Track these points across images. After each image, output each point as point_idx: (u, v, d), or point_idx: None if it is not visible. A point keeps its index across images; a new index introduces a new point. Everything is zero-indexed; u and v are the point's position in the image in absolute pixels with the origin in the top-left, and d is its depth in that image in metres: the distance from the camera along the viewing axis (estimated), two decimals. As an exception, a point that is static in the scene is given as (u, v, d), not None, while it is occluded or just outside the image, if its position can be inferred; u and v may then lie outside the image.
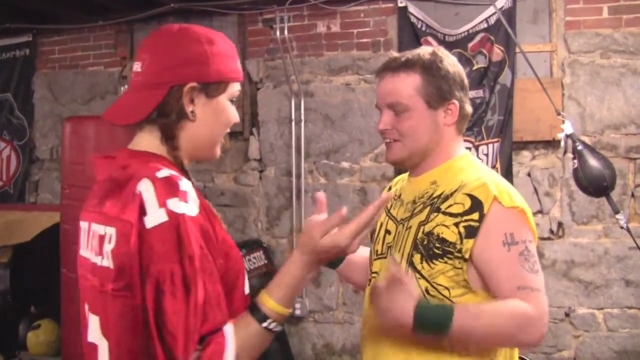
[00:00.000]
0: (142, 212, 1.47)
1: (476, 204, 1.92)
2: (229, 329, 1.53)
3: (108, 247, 1.53)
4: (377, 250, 2.18)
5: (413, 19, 5.62)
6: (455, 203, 1.96)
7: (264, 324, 1.61)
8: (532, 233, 1.97)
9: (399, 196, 2.19)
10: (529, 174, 5.48)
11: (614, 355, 5.34)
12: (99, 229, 1.58)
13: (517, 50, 5.24)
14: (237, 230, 6.18)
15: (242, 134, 6.21)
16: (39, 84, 7.01)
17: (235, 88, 1.73)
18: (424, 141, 2.07)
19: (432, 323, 1.81)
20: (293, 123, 5.96)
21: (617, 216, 4.16)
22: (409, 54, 2.12)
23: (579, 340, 5.41)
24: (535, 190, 5.45)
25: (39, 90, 7.00)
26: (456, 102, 2.08)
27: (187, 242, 1.47)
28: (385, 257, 2.10)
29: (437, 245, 1.95)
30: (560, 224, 5.43)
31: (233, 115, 1.75)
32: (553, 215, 5.44)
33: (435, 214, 1.98)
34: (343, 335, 5.92)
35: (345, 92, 5.92)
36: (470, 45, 5.48)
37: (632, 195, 5.31)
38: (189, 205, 1.50)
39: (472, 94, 5.32)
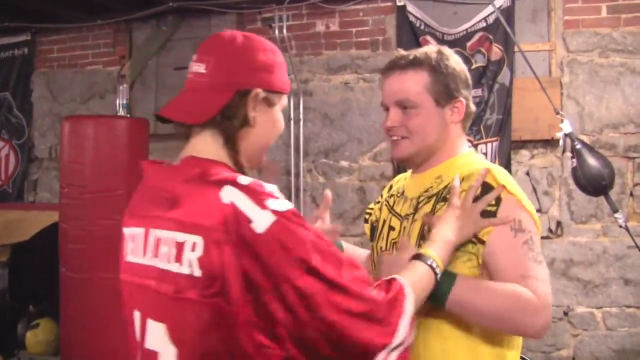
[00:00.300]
0: (244, 219, 1.44)
1: (487, 190, 1.93)
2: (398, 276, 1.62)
3: (192, 255, 1.48)
4: (380, 247, 2.19)
5: (412, 18, 5.62)
6: (464, 190, 1.94)
7: (429, 262, 1.72)
8: (536, 227, 1.98)
9: (402, 193, 2.20)
10: (527, 173, 5.49)
11: (612, 354, 5.35)
12: (172, 235, 1.54)
13: (516, 49, 5.25)
14: (236, 229, 6.18)
15: (241, 132, 6.20)
16: (37, 83, 7.01)
17: (286, 100, 1.77)
18: (432, 138, 2.08)
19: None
20: (292, 122, 5.96)
21: (616, 215, 4.17)
22: (416, 52, 2.13)
23: (578, 339, 5.42)
24: (534, 189, 5.46)
25: (38, 89, 7.00)
26: (463, 100, 2.09)
27: (307, 233, 1.49)
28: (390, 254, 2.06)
29: None
30: (559, 223, 5.44)
31: (282, 125, 1.79)
32: (552, 214, 5.44)
33: (442, 203, 1.98)
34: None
35: (344, 91, 5.92)
36: (468, 44, 5.49)
37: (631, 194, 5.31)
38: (285, 202, 1.51)
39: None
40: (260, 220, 1.44)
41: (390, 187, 2.36)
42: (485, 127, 5.37)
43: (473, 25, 5.49)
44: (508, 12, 5.33)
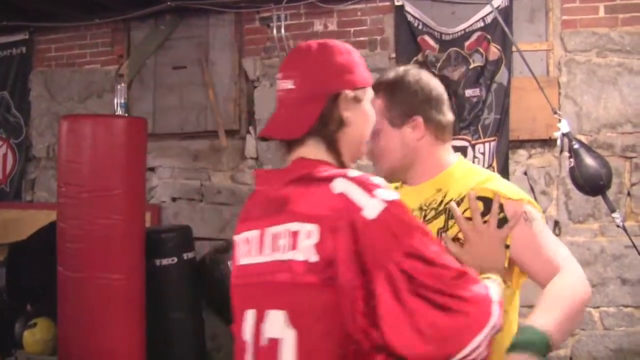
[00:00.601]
0: (355, 208, 1.57)
1: (487, 203, 2.01)
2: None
3: (308, 242, 1.61)
4: None
5: (410, 18, 5.62)
6: (467, 209, 2.03)
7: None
8: (538, 210, 2.10)
9: None
10: (525, 173, 5.49)
11: (610, 354, 5.35)
12: (287, 227, 1.66)
13: (514, 49, 5.25)
14: (234, 228, 6.15)
15: (238, 132, 6.21)
16: (35, 82, 7.00)
17: (371, 91, 1.88)
18: (396, 158, 2.15)
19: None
20: (290, 121, 5.95)
21: (613, 215, 4.17)
22: (382, 76, 2.23)
23: (575, 338, 5.42)
24: (532, 188, 5.46)
25: (36, 88, 7.00)
26: (419, 117, 2.12)
27: (412, 221, 1.63)
28: None
29: None
30: (556, 223, 5.44)
31: (373, 115, 1.90)
32: (549, 214, 5.44)
33: (453, 220, 2.04)
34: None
35: (342, 90, 5.91)
36: (466, 44, 5.48)
37: (628, 194, 5.32)
38: (392, 192, 1.65)
39: (468, 92, 5.36)
40: (371, 208, 1.57)
41: None
42: (483, 126, 5.37)
43: (471, 25, 5.49)
44: (506, 12, 5.33)
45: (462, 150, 5.37)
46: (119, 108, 5.92)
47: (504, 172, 5.37)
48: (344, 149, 1.79)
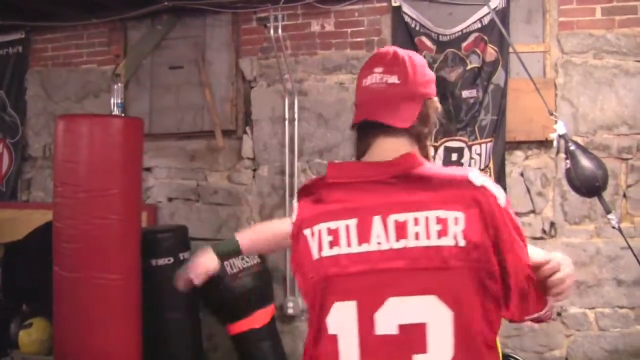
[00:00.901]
0: (494, 197, 1.79)
1: None
2: None
3: (456, 228, 1.75)
4: None
5: (407, 19, 5.62)
6: None
7: None
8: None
9: None
10: (521, 174, 5.50)
11: (605, 355, 5.36)
12: (430, 214, 1.78)
13: (511, 50, 5.26)
14: (230, 228, 6.18)
15: (235, 132, 6.21)
16: (31, 81, 7.00)
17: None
18: None
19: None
20: (287, 122, 5.97)
21: (609, 216, 4.19)
22: None
23: (571, 339, 5.43)
24: (528, 190, 5.47)
25: (32, 87, 6.99)
26: None
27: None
28: None
29: None
30: (552, 224, 5.45)
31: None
32: (545, 215, 5.45)
33: None
34: (335, 334, 5.92)
35: (338, 91, 5.92)
36: (464, 45, 5.49)
37: (624, 196, 5.33)
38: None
39: (465, 93, 5.38)
40: (501, 198, 1.81)
41: None
42: (480, 128, 5.38)
43: (468, 26, 5.49)
44: (503, 13, 5.34)
45: (459, 151, 5.39)
46: (115, 108, 5.92)
47: (501, 173, 5.38)
48: (426, 146, 1.97)
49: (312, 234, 1.89)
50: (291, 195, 5.95)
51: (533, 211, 5.48)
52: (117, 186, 4.81)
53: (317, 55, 6.02)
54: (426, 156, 1.95)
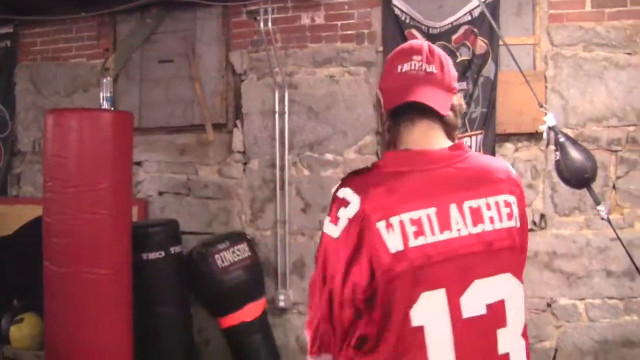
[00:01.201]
0: (521, 187, 2.06)
1: None
2: None
3: (516, 210, 1.97)
4: None
5: (397, 11, 5.62)
6: None
7: None
8: None
9: None
10: (512, 166, 5.50)
11: (595, 345, 5.39)
12: (498, 199, 1.95)
13: (501, 42, 5.26)
14: (221, 222, 6.18)
15: (225, 126, 6.20)
16: (20, 76, 6.97)
17: None
18: None
19: None
20: (277, 115, 5.96)
21: (598, 207, 4.20)
22: None
23: (561, 330, 5.46)
24: (518, 182, 5.48)
25: (21, 82, 6.96)
26: None
27: None
28: None
29: None
30: (542, 216, 5.46)
31: None
32: (535, 207, 5.47)
33: None
34: (327, 327, 5.92)
35: (329, 84, 5.92)
36: (454, 37, 5.49)
37: (614, 187, 5.34)
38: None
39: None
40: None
41: None
42: (470, 120, 5.39)
43: (458, 19, 5.49)
44: (493, 6, 5.34)
45: (449, 144, 5.40)
46: (104, 102, 5.90)
47: (491, 165, 5.38)
48: (456, 137, 2.07)
49: (389, 225, 1.84)
50: (282, 189, 5.96)
51: (523, 203, 5.49)
52: (107, 180, 4.80)
53: (307, 48, 6.01)
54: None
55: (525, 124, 5.38)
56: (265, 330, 5.79)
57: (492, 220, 1.91)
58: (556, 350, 5.48)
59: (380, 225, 1.83)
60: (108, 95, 5.87)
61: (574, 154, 4.17)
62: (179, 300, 5.67)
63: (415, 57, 2.01)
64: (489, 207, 1.91)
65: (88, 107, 6.19)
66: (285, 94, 5.94)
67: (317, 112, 5.92)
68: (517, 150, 5.52)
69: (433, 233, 1.84)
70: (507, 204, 1.94)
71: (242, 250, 5.67)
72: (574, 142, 4.31)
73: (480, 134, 5.35)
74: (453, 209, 1.88)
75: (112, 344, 4.85)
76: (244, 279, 5.61)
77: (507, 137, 5.51)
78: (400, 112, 1.99)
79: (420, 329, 1.81)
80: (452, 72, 2.05)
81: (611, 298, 5.36)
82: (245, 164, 6.15)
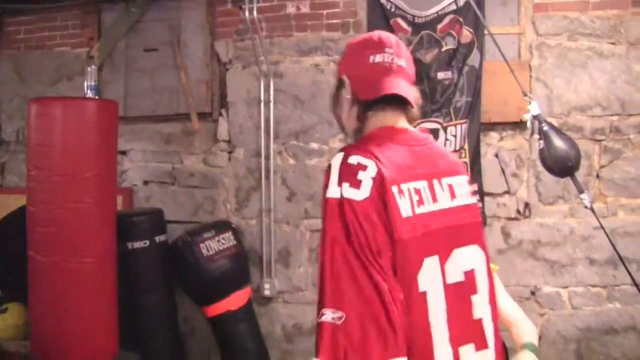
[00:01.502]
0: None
1: None
2: None
3: (469, 189, 2.14)
4: None
5: (383, 0, 5.61)
6: None
7: None
8: None
9: None
10: (496, 155, 5.53)
11: (578, 333, 5.43)
12: (460, 179, 2.13)
13: (486, 32, 5.27)
14: (206, 211, 6.18)
15: (211, 115, 6.19)
16: (4, 65, 6.92)
17: None
18: None
19: None
20: (262, 104, 5.96)
21: (582, 196, 4.22)
22: None
23: (545, 318, 5.49)
24: (503, 171, 5.51)
25: (5, 71, 6.91)
26: None
27: None
28: None
29: None
30: (526, 204, 5.49)
31: None
32: (520, 196, 5.50)
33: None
34: (313, 316, 5.92)
35: (314, 73, 5.92)
36: (439, 26, 5.49)
37: (597, 176, 5.38)
38: None
39: (440, 75, 5.39)
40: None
41: None
42: (455, 109, 5.40)
43: (443, 8, 5.49)
44: (478, -5, 5.35)
45: (434, 133, 5.40)
46: (89, 91, 5.86)
47: (476, 154, 5.41)
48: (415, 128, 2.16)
49: (401, 191, 1.91)
50: (267, 178, 5.96)
51: (508, 192, 5.52)
52: (92, 169, 4.78)
53: (292, 37, 6.00)
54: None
55: (510, 113, 5.40)
56: (250, 318, 5.80)
57: (461, 196, 2.08)
58: (540, 337, 5.51)
59: (394, 189, 1.88)
60: (92, 84, 5.83)
61: (558, 142, 4.19)
62: (164, 288, 5.66)
63: (387, 50, 2.07)
64: (458, 185, 2.09)
65: (73, 96, 6.16)
66: (271, 83, 5.93)
67: (302, 101, 5.92)
68: (502, 139, 5.54)
69: (429, 203, 1.97)
70: (468, 183, 2.15)
71: (227, 239, 5.68)
72: (557, 130, 4.33)
73: (465, 122, 5.36)
74: (436, 183, 2.02)
75: (98, 332, 4.84)
76: (229, 267, 5.62)
77: (492, 126, 5.54)
78: (376, 102, 2.06)
79: (424, 295, 1.88)
80: (413, 66, 2.16)
81: (594, 286, 5.40)
82: (230, 152, 6.14)
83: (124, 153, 6.37)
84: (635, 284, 4.23)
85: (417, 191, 1.95)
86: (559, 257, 5.44)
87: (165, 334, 5.64)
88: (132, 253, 5.41)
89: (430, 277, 1.90)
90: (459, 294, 1.97)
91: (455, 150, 5.32)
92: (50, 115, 4.80)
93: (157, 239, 5.56)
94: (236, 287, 5.68)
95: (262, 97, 5.95)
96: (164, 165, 6.37)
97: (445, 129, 5.37)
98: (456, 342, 1.91)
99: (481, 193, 5.45)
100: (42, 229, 4.73)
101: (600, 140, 5.37)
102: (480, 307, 2.03)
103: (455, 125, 5.37)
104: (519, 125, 5.42)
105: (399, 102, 2.06)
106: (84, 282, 4.77)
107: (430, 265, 1.91)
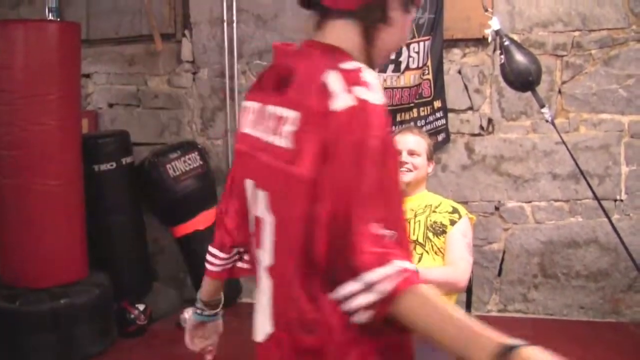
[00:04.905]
0: (329, 97, 1.50)
1: (456, 210, 3.49)
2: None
3: (288, 128, 1.58)
4: None
5: None
6: (445, 209, 3.49)
7: None
8: (472, 235, 3.53)
9: None
10: (459, 72, 5.56)
11: (540, 246, 5.56)
12: (277, 110, 1.65)
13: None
14: (172, 132, 6.18)
15: (174, 36, 6.14)
16: (-38, -13, 6.81)
17: (415, 13, 1.80)
18: (422, 174, 3.57)
19: None
20: (225, 24, 5.91)
21: (543, 110, 4.27)
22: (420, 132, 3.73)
23: (509, 232, 5.61)
24: (466, 87, 5.54)
25: (-37, -6, 6.80)
26: (434, 162, 3.72)
27: (374, 125, 1.50)
28: None
29: (440, 227, 3.41)
30: (490, 120, 5.55)
31: (408, 37, 1.91)
32: (483, 112, 5.55)
33: (434, 213, 3.47)
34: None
35: (277, -8, 5.87)
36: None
37: (559, 92, 5.43)
38: (374, 94, 1.53)
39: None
40: (341, 101, 1.49)
41: None
42: (417, 26, 5.38)
43: None
44: None
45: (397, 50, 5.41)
46: (50, 13, 5.78)
47: (439, 71, 5.43)
48: (378, 44, 1.72)
49: (245, 108, 1.87)
50: (232, 98, 5.96)
51: (471, 108, 5.56)
52: (55, 92, 4.76)
53: (253, -47, 5.92)
54: (379, 57, 1.80)
55: (473, 29, 5.40)
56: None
57: (271, 130, 1.72)
58: (504, 251, 5.65)
59: (245, 104, 1.91)
60: (53, 6, 5.74)
61: (519, 57, 4.21)
62: (132, 210, 5.71)
63: None
64: (274, 117, 1.72)
65: (34, 18, 6.08)
66: (233, 2, 5.87)
67: (265, 20, 5.88)
68: (464, 55, 5.56)
69: (252, 126, 1.83)
70: (279, 119, 1.69)
71: (193, 160, 5.70)
72: (518, 45, 4.35)
73: (428, 39, 5.36)
74: (264, 110, 1.78)
75: (66, 253, 4.89)
76: (195, 187, 5.66)
77: (454, 42, 5.55)
78: None
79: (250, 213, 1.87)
80: None
81: (557, 200, 5.51)
82: (194, 73, 6.12)
83: (87, 76, 6.34)
84: (597, 198, 4.31)
85: (253, 111, 1.80)
86: (522, 172, 5.52)
87: (133, 254, 5.70)
88: (99, 175, 5.43)
89: (249, 198, 1.81)
90: (259, 231, 1.75)
91: (418, 67, 5.34)
92: (12, 38, 4.75)
93: (124, 160, 5.57)
94: (203, 207, 5.73)
95: (224, 17, 5.89)
96: (129, 88, 6.34)
97: (408, 46, 5.37)
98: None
99: (444, 109, 5.50)
100: (6, 152, 4.73)
101: (562, 56, 5.40)
102: (260, 265, 1.76)
103: (418, 42, 5.36)
104: (482, 41, 5.43)
105: None
106: (51, 204, 4.80)
107: (248, 187, 1.81)
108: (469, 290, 3.62)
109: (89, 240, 5.11)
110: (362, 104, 1.49)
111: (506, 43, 4.22)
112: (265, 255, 1.71)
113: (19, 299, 4.67)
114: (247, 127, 1.82)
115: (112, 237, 5.55)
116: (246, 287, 5.96)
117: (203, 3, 6.00)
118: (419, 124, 5.40)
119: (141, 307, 5.33)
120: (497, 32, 4.32)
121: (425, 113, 5.49)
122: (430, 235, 3.40)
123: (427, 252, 3.38)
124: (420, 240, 3.38)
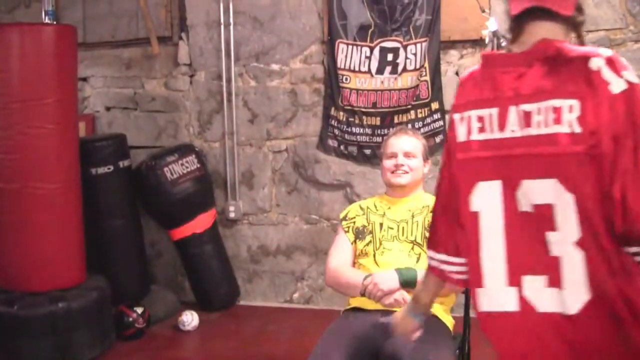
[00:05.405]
0: (606, 83, 1.78)
1: None
2: None
3: (571, 116, 1.79)
4: (382, 236, 3.43)
5: None
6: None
7: None
8: None
9: (389, 208, 3.52)
10: (457, 73, 5.56)
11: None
12: (548, 103, 1.84)
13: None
14: (169, 135, 6.18)
15: (171, 38, 6.14)
16: (-42, -9, 6.80)
17: None
18: (418, 175, 3.53)
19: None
20: (222, 26, 5.91)
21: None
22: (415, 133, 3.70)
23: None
24: (463, 88, 5.53)
25: (-41, -2, 6.80)
26: (429, 162, 3.65)
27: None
28: (393, 242, 3.40)
29: None
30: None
31: None
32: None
33: (430, 213, 3.10)
34: (277, 237, 6.03)
35: (273, -6, 5.87)
36: (397, -56, 5.44)
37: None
38: (635, 77, 1.81)
39: (399, -8, 5.36)
40: (616, 85, 1.78)
41: (360, 207, 3.61)
42: (415, 27, 5.39)
43: None
44: None
45: (394, 52, 5.41)
46: (46, 16, 5.78)
47: (436, 72, 5.43)
48: (582, 35, 2.03)
49: (462, 119, 2.05)
50: (229, 100, 5.97)
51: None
52: (52, 95, 4.76)
53: (249, -44, 5.92)
54: (582, 44, 2.02)
55: (470, 30, 5.40)
56: (216, 241, 5.88)
57: (538, 124, 1.89)
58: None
59: (456, 117, 2.12)
60: (50, 9, 5.74)
61: (516, 58, 4.21)
62: (129, 213, 5.70)
63: None
64: (539, 112, 1.90)
65: (30, 22, 6.07)
66: (230, 4, 5.88)
67: (262, 22, 5.88)
68: (462, 57, 5.56)
69: (487, 130, 1.99)
70: (556, 109, 1.88)
71: (190, 163, 5.71)
72: (515, 46, 4.35)
73: (425, 41, 5.36)
74: (512, 110, 1.95)
75: (64, 256, 4.88)
76: (193, 190, 5.67)
77: (452, 44, 5.54)
78: (519, 17, 2.01)
79: (477, 214, 2.03)
80: None
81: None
82: (191, 76, 6.12)
83: (84, 80, 6.34)
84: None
85: (480, 119, 2.00)
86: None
87: (131, 257, 5.70)
88: (96, 179, 5.42)
89: (486, 200, 1.99)
90: (531, 225, 1.91)
91: (415, 69, 5.34)
92: (8, 42, 4.75)
93: (121, 164, 5.57)
94: (201, 209, 5.74)
95: (221, 19, 5.90)
96: (126, 91, 6.34)
97: (405, 47, 5.38)
98: (518, 269, 1.94)
99: (442, 111, 5.50)
100: (4, 156, 4.72)
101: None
102: (558, 246, 1.86)
103: (415, 43, 5.37)
104: (479, 42, 5.42)
105: (544, 12, 2.02)
106: (49, 207, 4.79)
107: (484, 189, 2.00)
108: (468, 290, 3.63)
109: (86, 243, 5.09)
110: (635, 86, 1.80)
111: (504, 44, 4.22)
112: (568, 233, 1.84)
113: (17, 303, 4.65)
114: (480, 134, 2.00)
115: (109, 240, 5.55)
116: (244, 290, 5.96)
117: (199, 5, 6.00)
118: (416, 125, 5.40)
119: (139, 310, 5.31)
120: (494, 33, 4.33)
121: (423, 115, 5.49)
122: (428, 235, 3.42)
123: (425, 252, 3.36)
124: (419, 240, 3.37)
